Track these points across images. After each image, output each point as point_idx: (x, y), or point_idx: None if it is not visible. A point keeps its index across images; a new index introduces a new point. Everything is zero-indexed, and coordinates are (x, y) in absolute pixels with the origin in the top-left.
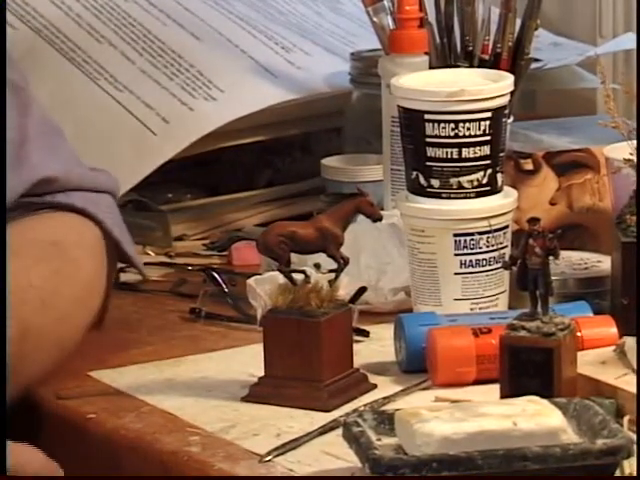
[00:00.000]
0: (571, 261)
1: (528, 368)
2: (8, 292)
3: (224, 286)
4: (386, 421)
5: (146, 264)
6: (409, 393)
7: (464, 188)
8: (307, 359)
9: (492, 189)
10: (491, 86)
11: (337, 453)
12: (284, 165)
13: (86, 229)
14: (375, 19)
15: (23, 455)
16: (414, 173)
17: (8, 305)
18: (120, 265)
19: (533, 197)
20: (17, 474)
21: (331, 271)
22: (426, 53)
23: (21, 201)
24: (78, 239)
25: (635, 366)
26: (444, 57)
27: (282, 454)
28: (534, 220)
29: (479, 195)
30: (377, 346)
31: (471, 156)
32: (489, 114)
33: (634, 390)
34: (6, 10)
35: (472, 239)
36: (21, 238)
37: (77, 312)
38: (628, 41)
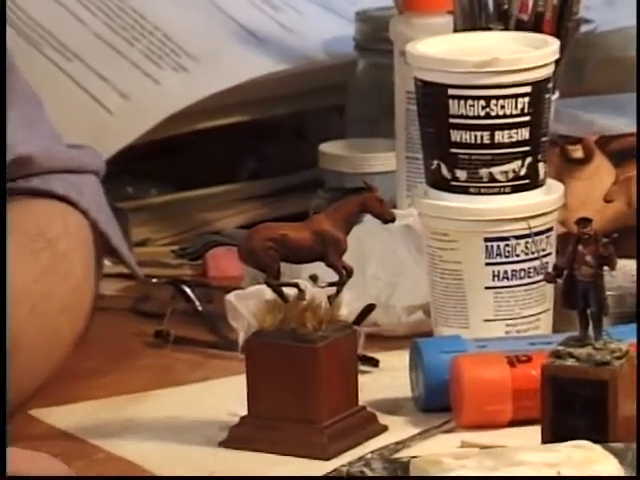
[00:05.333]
0: (630, 272)
1: (576, 405)
2: (8, 292)
3: (197, 303)
4: (399, 471)
5: None
6: (428, 437)
7: (497, 181)
8: (301, 394)
9: (532, 182)
10: (531, 54)
11: None
12: (272, 153)
13: (71, 218)
14: None
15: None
16: (435, 162)
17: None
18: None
19: (583, 193)
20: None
21: (331, 284)
22: (450, 12)
23: None
24: (64, 230)
25: None
26: (472, 18)
27: None
28: (584, 221)
29: (516, 190)
30: (388, 378)
31: (506, 141)
32: (528, 89)
33: None
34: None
35: (507, 245)
36: None
37: (67, 320)
38: None
